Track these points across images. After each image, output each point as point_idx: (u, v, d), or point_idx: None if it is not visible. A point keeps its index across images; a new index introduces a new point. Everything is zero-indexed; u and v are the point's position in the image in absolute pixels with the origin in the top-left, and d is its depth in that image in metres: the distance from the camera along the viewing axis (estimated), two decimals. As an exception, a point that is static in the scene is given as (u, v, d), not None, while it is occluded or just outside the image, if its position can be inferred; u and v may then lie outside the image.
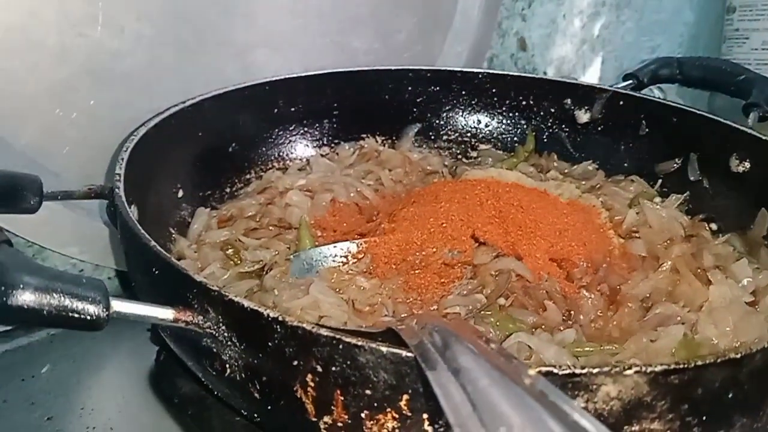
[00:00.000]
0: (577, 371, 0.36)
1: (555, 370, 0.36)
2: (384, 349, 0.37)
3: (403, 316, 0.59)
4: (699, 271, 0.66)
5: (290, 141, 0.87)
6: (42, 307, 0.36)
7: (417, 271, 0.63)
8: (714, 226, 0.76)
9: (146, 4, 0.75)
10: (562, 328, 0.58)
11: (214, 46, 0.82)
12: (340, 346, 0.38)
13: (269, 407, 0.44)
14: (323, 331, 0.38)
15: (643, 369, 0.36)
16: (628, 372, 0.36)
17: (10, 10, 0.67)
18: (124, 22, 0.74)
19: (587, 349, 0.56)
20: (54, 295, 0.37)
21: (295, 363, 0.39)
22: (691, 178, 0.81)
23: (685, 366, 0.37)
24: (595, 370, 0.36)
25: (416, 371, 0.36)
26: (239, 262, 0.65)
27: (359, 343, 0.37)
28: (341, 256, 0.65)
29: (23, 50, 0.69)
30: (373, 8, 0.94)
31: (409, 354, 0.37)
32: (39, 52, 0.70)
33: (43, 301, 0.36)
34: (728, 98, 0.92)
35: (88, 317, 0.38)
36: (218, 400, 0.54)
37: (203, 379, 0.49)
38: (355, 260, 0.65)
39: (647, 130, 0.85)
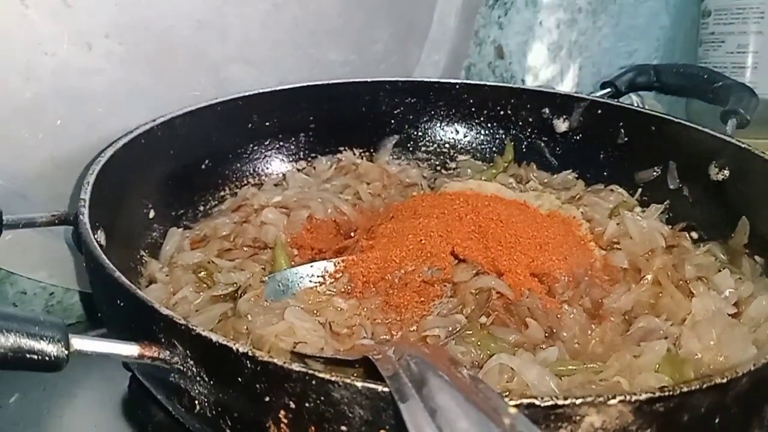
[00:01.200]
0: (560, 402, 0.35)
1: (537, 402, 0.34)
2: (359, 384, 0.35)
3: (382, 337, 0.58)
4: (681, 282, 0.65)
5: (265, 156, 0.85)
6: (-4, 349, 0.34)
7: (396, 290, 0.62)
8: (695, 235, 0.75)
9: (115, 20, 0.73)
10: (544, 346, 0.57)
11: (186, 61, 0.80)
12: (313, 382, 0.36)
13: (242, 443, 0.42)
14: (295, 367, 0.36)
15: (627, 398, 0.35)
16: (612, 401, 0.35)
17: (-28, 30, 0.65)
18: (91, 39, 0.72)
19: (570, 367, 0.55)
20: (9, 335, 0.35)
21: (267, 399, 0.38)
22: (671, 187, 0.80)
23: (670, 393, 0.36)
24: (578, 401, 0.35)
25: (393, 406, 0.35)
26: (212, 284, 0.63)
27: (333, 379, 0.36)
28: (318, 276, 0.63)
29: (-14, 71, 0.67)
30: (348, 20, 0.93)
31: (386, 389, 0.35)
32: (4, 71, 0.68)
33: (-2, 343, 0.35)
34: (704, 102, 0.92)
35: (47, 358, 0.36)
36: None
37: (174, 414, 0.47)
38: (333, 280, 0.64)
39: (626, 138, 0.85)
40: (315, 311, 0.59)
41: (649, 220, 0.73)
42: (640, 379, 0.53)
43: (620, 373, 0.54)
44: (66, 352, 0.36)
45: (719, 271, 0.67)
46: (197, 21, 0.80)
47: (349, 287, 0.63)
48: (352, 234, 0.74)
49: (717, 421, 0.38)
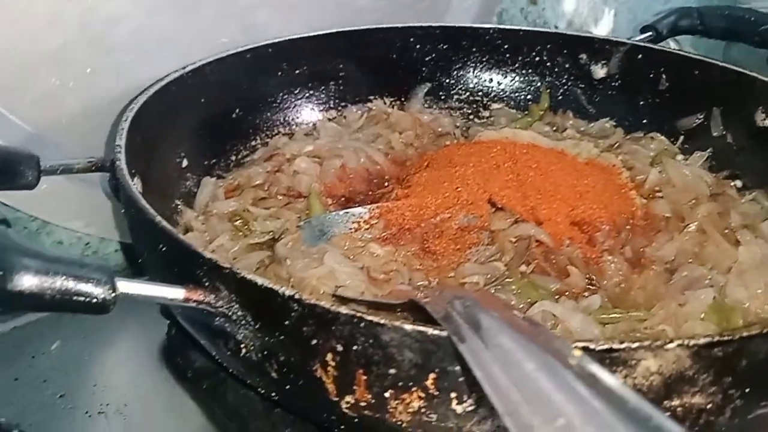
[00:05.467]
0: (615, 346, 0.34)
1: (592, 346, 0.34)
2: (408, 327, 0.35)
3: (419, 283, 0.57)
4: (726, 231, 0.63)
5: (296, 105, 0.84)
6: (44, 291, 0.34)
7: (432, 237, 0.61)
8: (739, 183, 0.73)
9: (141, -36, 0.71)
10: (586, 294, 0.56)
11: (213, 6, 0.78)
12: (362, 325, 0.35)
13: (288, 387, 0.42)
14: (343, 309, 0.36)
15: (686, 342, 0.34)
16: (670, 346, 0.34)
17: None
18: (118, -16, 0.71)
19: (613, 315, 0.54)
20: (56, 277, 0.35)
21: (314, 342, 0.37)
22: (714, 134, 0.77)
23: (730, 338, 0.35)
24: (635, 345, 0.34)
25: (444, 349, 0.34)
26: (249, 233, 0.63)
27: (382, 322, 0.35)
28: (353, 222, 0.63)
29: (14, 18, 0.66)
30: (378, -37, 0.90)
31: (436, 332, 0.34)
32: (31, 19, 0.67)
33: (45, 284, 0.34)
34: (745, 47, 0.88)
35: (94, 300, 0.36)
36: (233, 375, 0.52)
37: (218, 358, 0.47)
38: (368, 226, 0.63)
39: (667, 84, 0.81)
40: (351, 257, 0.59)
41: (693, 167, 0.71)
42: (686, 327, 0.52)
43: (665, 321, 0.53)
44: (113, 294, 0.36)
45: (766, 219, 0.65)
46: (225, -35, 0.78)
47: (384, 234, 0.62)
48: (386, 184, 0.73)
49: (776, 366, 0.37)
